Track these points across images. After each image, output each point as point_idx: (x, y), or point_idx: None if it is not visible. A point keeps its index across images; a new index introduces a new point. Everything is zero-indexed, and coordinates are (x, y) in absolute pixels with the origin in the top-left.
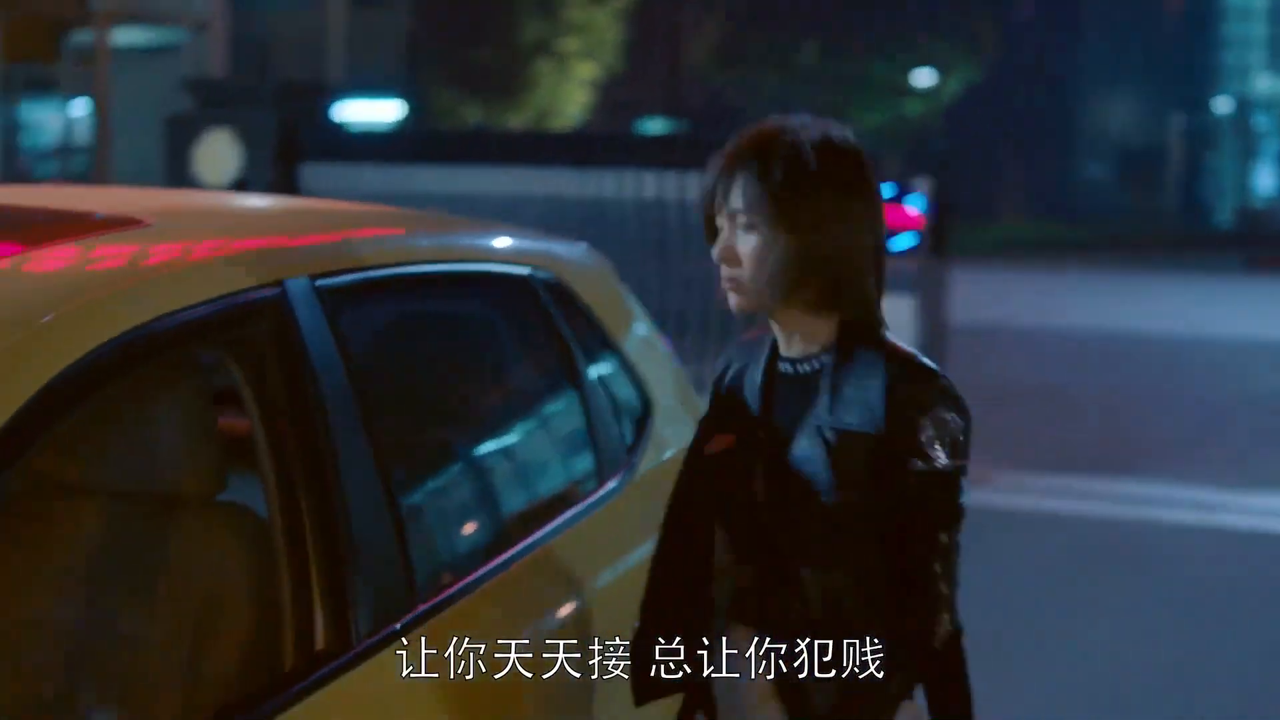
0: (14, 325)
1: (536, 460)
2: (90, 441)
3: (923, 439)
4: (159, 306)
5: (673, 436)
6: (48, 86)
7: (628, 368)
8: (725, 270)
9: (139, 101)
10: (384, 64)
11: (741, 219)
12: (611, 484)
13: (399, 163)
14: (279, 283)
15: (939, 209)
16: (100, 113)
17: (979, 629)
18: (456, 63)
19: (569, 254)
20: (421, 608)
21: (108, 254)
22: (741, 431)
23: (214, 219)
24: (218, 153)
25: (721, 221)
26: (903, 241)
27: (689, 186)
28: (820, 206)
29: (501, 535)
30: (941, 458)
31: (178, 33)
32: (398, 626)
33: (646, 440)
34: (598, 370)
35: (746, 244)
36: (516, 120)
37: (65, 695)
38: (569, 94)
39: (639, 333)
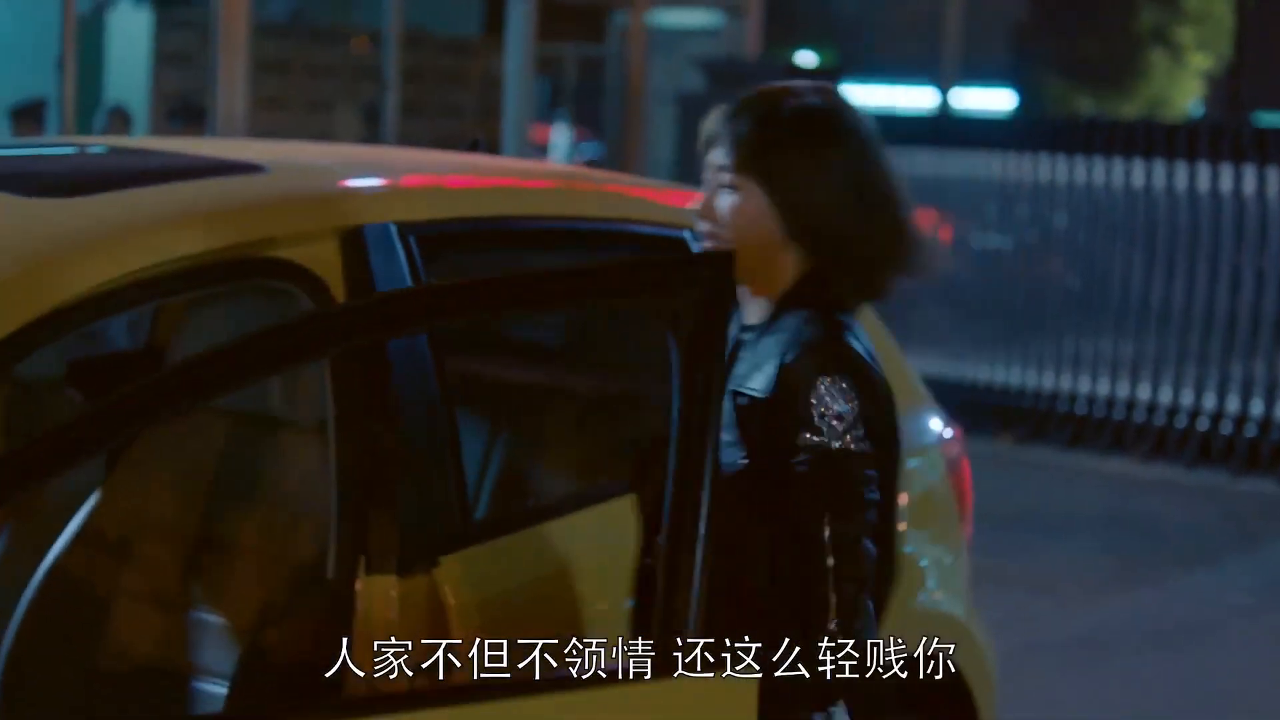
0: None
1: (638, 415)
2: None
3: (812, 411)
4: (224, 240)
5: None
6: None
7: None
8: (702, 226)
9: (677, 83)
10: (995, 52)
11: (723, 176)
12: None
13: (906, 145)
14: (357, 226)
15: None
16: (632, 93)
17: None
18: (1067, 51)
19: None
20: (477, 538)
21: (221, 191)
22: None
23: (323, 172)
24: None
25: (708, 176)
26: None
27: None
28: (789, 160)
29: (588, 484)
30: (834, 436)
31: (716, 15)
32: (439, 555)
33: None
34: None
35: (725, 200)
36: (1128, 111)
37: (179, 593)
38: (1182, 85)
39: None
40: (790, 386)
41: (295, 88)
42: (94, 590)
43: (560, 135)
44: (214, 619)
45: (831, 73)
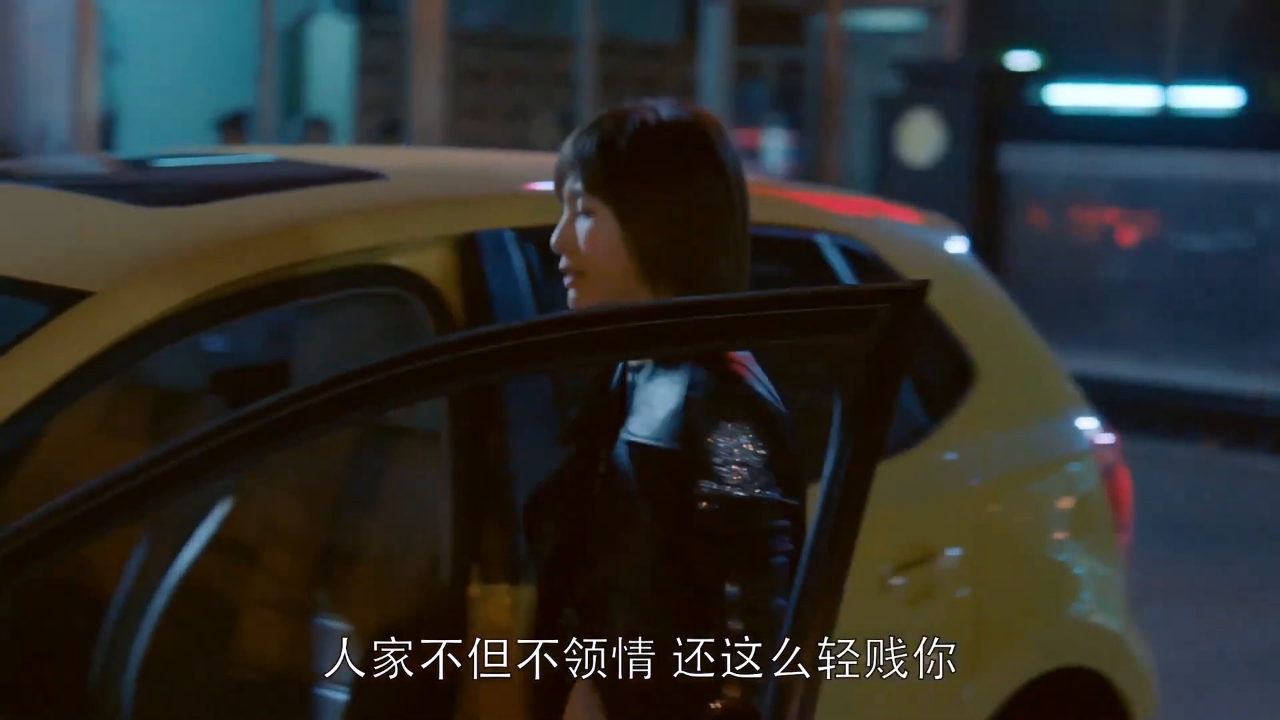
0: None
1: None
2: None
3: (713, 459)
4: (338, 246)
5: (1005, 420)
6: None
7: (947, 343)
8: (563, 261)
9: (881, 87)
10: (1217, 47)
11: (580, 202)
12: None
13: (1105, 145)
14: (471, 233)
15: None
16: (828, 94)
17: None
18: None
19: (897, 230)
20: None
21: (337, 198)
22: (584, 446)
23: (437, 178)
24: (921, 132)
25: (563, 207)
26: None
27: None
28: (635, 179)
29: None
30: (737, 484)
31: (917, 16)
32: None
33: (949, 414)
34: None
35: (581, 226)
36: None
37: (304, 600)
38: None
39: (991, 316)
40: (688, 433)
41: (495, 96)
42: (224, 597)
43: (773, 140)
44: (337, 625)
45: (1041, 73)
